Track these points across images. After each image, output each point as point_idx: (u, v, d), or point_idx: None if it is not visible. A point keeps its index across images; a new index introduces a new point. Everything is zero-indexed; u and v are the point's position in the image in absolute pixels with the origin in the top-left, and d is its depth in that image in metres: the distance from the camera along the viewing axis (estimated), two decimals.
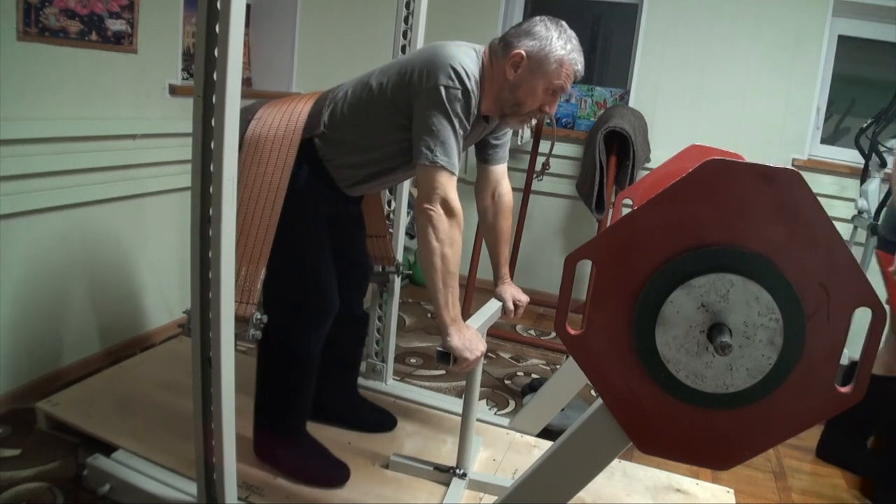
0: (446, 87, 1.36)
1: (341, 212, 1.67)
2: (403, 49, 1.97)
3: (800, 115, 3.07)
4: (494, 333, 2.94)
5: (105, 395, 1.92)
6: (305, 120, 1.52)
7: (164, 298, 2.57)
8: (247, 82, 3.21)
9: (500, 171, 1.77)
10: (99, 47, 2.09)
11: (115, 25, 2.14)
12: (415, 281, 3.56)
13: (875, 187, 2.69)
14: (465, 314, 2.48)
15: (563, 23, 1.45)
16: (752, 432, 0.98)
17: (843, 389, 0.94)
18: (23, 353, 2.02)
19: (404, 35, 1.97)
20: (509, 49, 1.43)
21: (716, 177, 0.90)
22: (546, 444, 1.90)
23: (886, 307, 1.00)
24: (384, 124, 1.47)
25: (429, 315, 3.18)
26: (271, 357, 1.62)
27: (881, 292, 0.93)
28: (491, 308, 1.70)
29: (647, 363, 0.97)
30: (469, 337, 1.42)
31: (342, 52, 3.39)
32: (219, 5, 1.06)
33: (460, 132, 1.40)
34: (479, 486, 1.69)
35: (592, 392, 2.34)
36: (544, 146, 3.02)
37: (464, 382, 2.36)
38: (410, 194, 2.42)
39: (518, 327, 3.14)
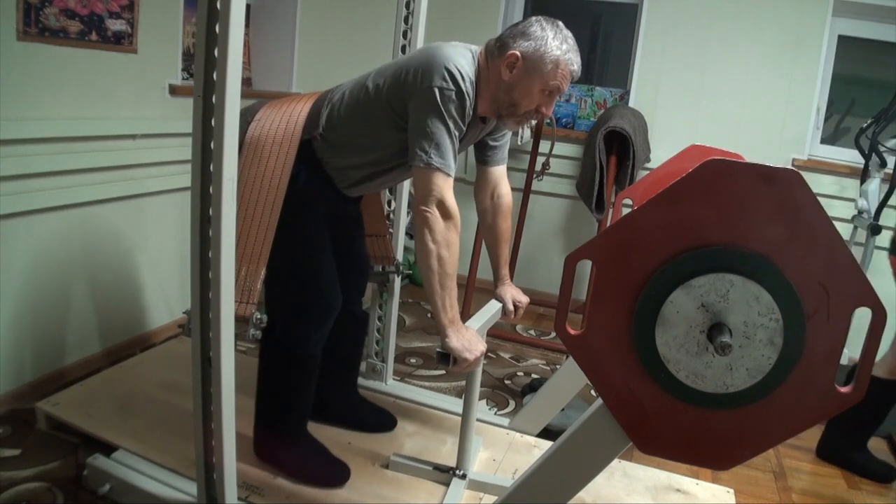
0: (440, 89, 1.35)
1: (341, 212, 1.67)
2: (403, 49, 1.97)
3: (800, 115, 3.07)
4: (494, 333, 2.94)
5: (105, 395, 1.92)
6: (304, 121, 1.52)
7: (165, 298, 2.57)
8: (247, 82, 3.21)
9: (500, 172, 1.77)
10: (99, 47, 2.09)
11: (115, 25, 2.14)
12: (415, 281, 3.56)
13: (875, 187, 2.69)
14: (465, 315, 2.49)
15: (560, 23, 1.45)
16: (752, 432, 0.98)
17: (843, 389, 0.94)
18: (23, 353, 2.02)
19: (404, 35, 1.97)
20: (505, 50, 1.43)
21: (716, 177, 0.90)
22: (546, 444, 1.90)
23: None
24: (381, 125, 1.47)
25: (429, 315, 3.18)
26: (272, 357, 1.62)
27: (881, 292, 0.93)
28: (491, 309, 1.70)
29: (647, 363, 0.98)
30: (468, 337, 1.42)
31: (342, 52, 3.39)
32: (219, 5, 1.06)
33: (455, 133, 1.40)
34: (479, 486, 1.69)
35: (592, 392, 2.34)
36: (544, 146, 3.02)
37: (464, 382, 2.36)
38: (410, 194, 2.42)
39: (518, 327, 3.14)
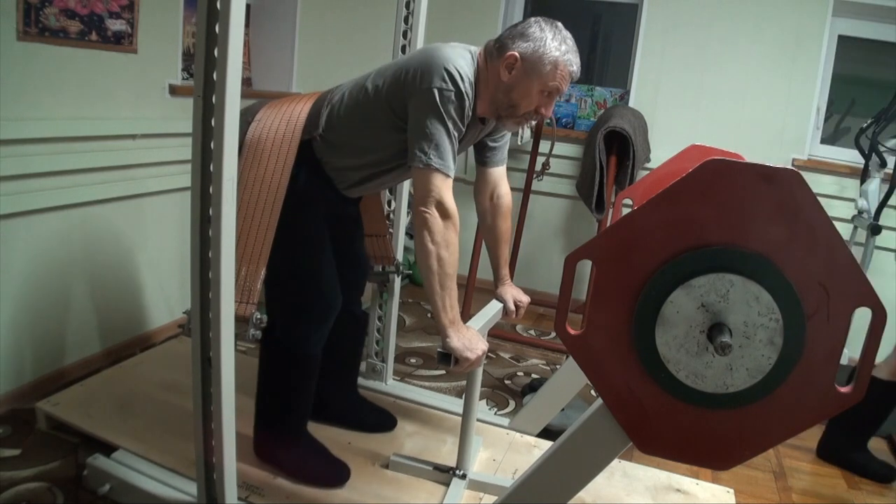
0: (440, 89, 1.35)
1: (340, 212, 1.67)
2: (403, 49, 1.97)
3: (800, 115, 3.07)
4: (494, 333, 2.94)
5: (105, 395, 1.92)
6: (304, 121, 1.52)
7: (165, 298, 2.57)
8: (247, 82, 3.21)
9: (499, 172, 1.77)
10: (99, 47, 2.09)
11: (115, 25, 2.14)
12: (415, 281, 3.56)
13: (875, 187, 2.69)
14: (466, 315, 2.49)
15: (559, 24, 1.45)
16: (752, 432, 0.98)
17: (843, 389, 0.94)
18: (23, 353, 2.02)
19: (404, 35, 1.97)
20: (503, 51, 1.43)
21: (716, 177, 0.90)
22: (546, 444, 1.90)
23: None
24: (380, 126, 1.47)
25: (429, 315, 3.18)
26: (272, 357, 1.62)
27: (881, 292, 0.93)
28: (492, 309, 1.70)
29: (647, 363, 0.98)
30: (469, 337, 1.42)
31: (342, 52, 3.39)
32: (219, 5, 1.06)
33: (455, 134, 1.40)
34: (479, 486, 1.69)
35: (592, 392, 2.34)
36: (544, 146, 3.02)
37: (464, 382, 2.36)
38: (410, 194, 2.42)
39: (518, 327, 3.14)
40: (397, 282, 2.14)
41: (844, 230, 2.84)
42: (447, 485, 1.68)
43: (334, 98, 1.55)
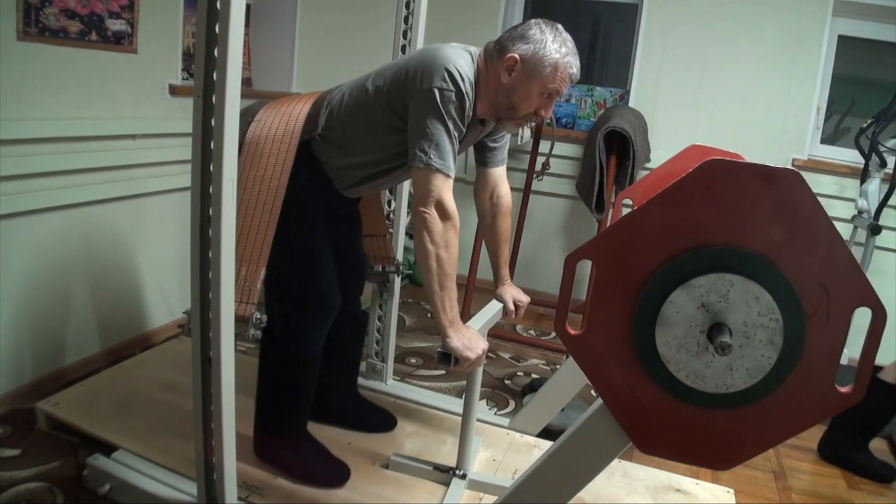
0: (440, 90, 1.35)
1: (340, 212, 1.67)
2: (403, 49, 1.97)
3: (800, 115, 3.07)
4: (494, 333, 2.94)
5: (105, 395, 1.92)
6: (304, 121, 1.52)
7: (165, 298, 2.57)
8: (247, 82, 3.21)
9: (499, 173, 1.77)
10: (99, 47, 2.09)
11: (115, 25, 2.14)
12: (415, 281, 3.56)
13: (875, 187, 2.69)
14: (466, 315, 2.49)
15: (559, 26, 1.45)
16: (752, 432, 0.98)
17: (843, 389, 0.94)
18: (23, 353, 2.02)
19: (404, 35, 1.97)
20: (504, 52, 1.43)
21: (716, 177, 0.90)
22: (546, 444, 1.90)
23: None
24: (380, 127, 1.47)
25: (429, 315, 3.18)
26: (273, 357, 1.62)
27: (882, 293, 0.93)
28: (492, 309, 1.70)
29: (647, 363, 0.97)
30: (469, 336, 1.42)
31: (342, 52, 3.39)
32: (219, 5, 1.06)
33: (455, 134, 1.40)
34: (479, 487, 1.69)
35: (592, 392, 2.34)
36: (544, 146, 3.02)
37: (464, 382, 2.36)
38: (410, 194, 2.42)
39: (518, 327, 3.14)
40: (397, 282, 2.14)
41: (844, 230, 2.84)
42: (447, 485, 1.68)
43: (334, 98, 1.55)
